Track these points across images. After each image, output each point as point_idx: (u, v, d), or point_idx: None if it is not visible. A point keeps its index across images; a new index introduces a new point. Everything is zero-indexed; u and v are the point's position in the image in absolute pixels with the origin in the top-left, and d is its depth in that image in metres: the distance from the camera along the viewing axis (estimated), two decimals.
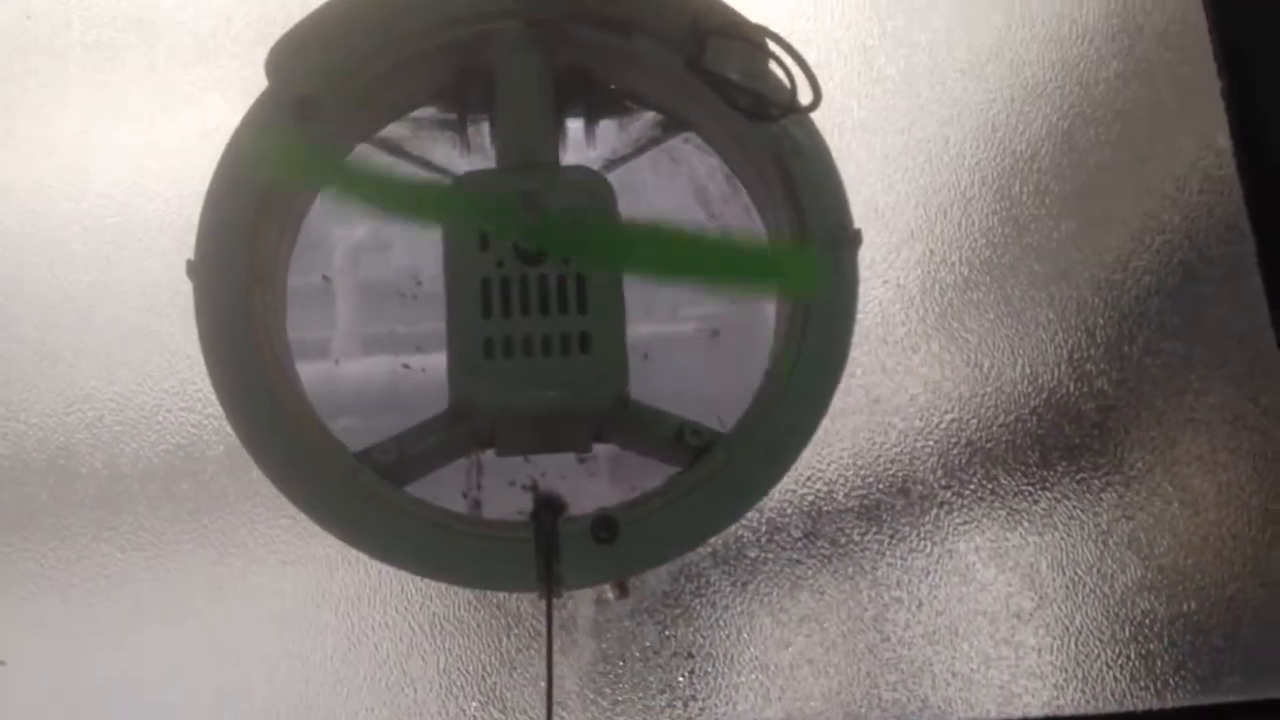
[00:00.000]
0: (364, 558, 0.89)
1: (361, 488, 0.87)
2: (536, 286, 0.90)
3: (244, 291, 0.90)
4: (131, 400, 1.05)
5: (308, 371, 0.97)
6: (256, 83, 0.94)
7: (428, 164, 1.06)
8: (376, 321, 1.06)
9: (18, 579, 1.01)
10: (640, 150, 1.08)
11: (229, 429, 0.88)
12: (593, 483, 1.02)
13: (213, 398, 0.88)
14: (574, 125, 1.03)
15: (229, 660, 1.01)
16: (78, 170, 1.09)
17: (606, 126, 1.05)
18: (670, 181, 1.09)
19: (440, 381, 0.91)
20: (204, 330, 0.89)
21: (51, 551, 1.02)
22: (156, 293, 1.06)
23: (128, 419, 1.05)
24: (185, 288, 0.90)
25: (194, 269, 0.90)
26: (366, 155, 1.04)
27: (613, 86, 1.02)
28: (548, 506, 0.99)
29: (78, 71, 1.12)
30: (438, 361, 0.92)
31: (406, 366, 1.05)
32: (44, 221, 1.08)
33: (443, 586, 1.01)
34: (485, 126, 1.02)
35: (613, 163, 1.07)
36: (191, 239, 0.90)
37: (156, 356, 1.05)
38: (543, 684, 0.92)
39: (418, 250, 1.05)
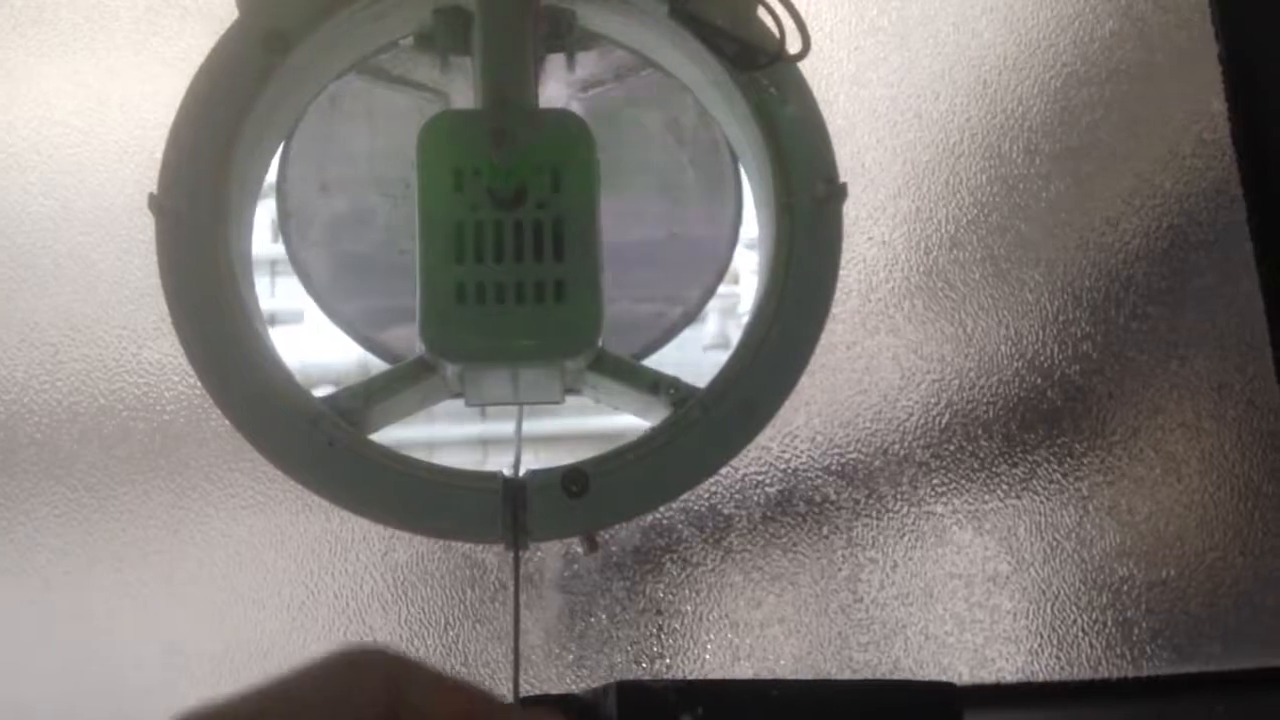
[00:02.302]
0: (325, 504, 0.87)
1: (324, 433, 0.85)
2: (512, 231, 0.88)
3: (209, 227, 0.87)
4: (88, 335, 1.02)
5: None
6: (228, 12, 0.90)
7: (409, 83, 1.03)
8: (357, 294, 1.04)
9: None
10: (619, 78, 1.06)
11: (189, 368, 0.85)
12: None
13: (173, 336, 0.86)
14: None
15: (183, 605, 0.99)
16: (37, 98, 1.06)
17: (587, 54, 1.02)
18: (645, 109, 1.07)
19: None
20: (165, 266, 0.86)
21: (1, 495, 1.00)
22: (116, 226, 1.03)
23: (84, 355, 1.02)
24: (147, 221, 0.87)
25: (156, 202, 0.87)
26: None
27: (595, 30, 1.00)
28: None
29: None
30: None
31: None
32: (1, 150, 1.05)
33: (406, 535, 0.99)
34: (466, 60, 0.99)
35: (590, 86, 1.05)
36: (155, 171, 0.87)
37: (117, 291, 1.03)
38: (507, 637, 0.91)
39: (401, 224, 1.02)
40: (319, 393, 0.89)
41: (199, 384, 0.85)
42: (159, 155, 0.88)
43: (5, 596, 0.98)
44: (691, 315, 1.10)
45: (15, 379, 1.01)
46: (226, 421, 0.85)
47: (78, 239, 1.03)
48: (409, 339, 1.03)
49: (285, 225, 1.02)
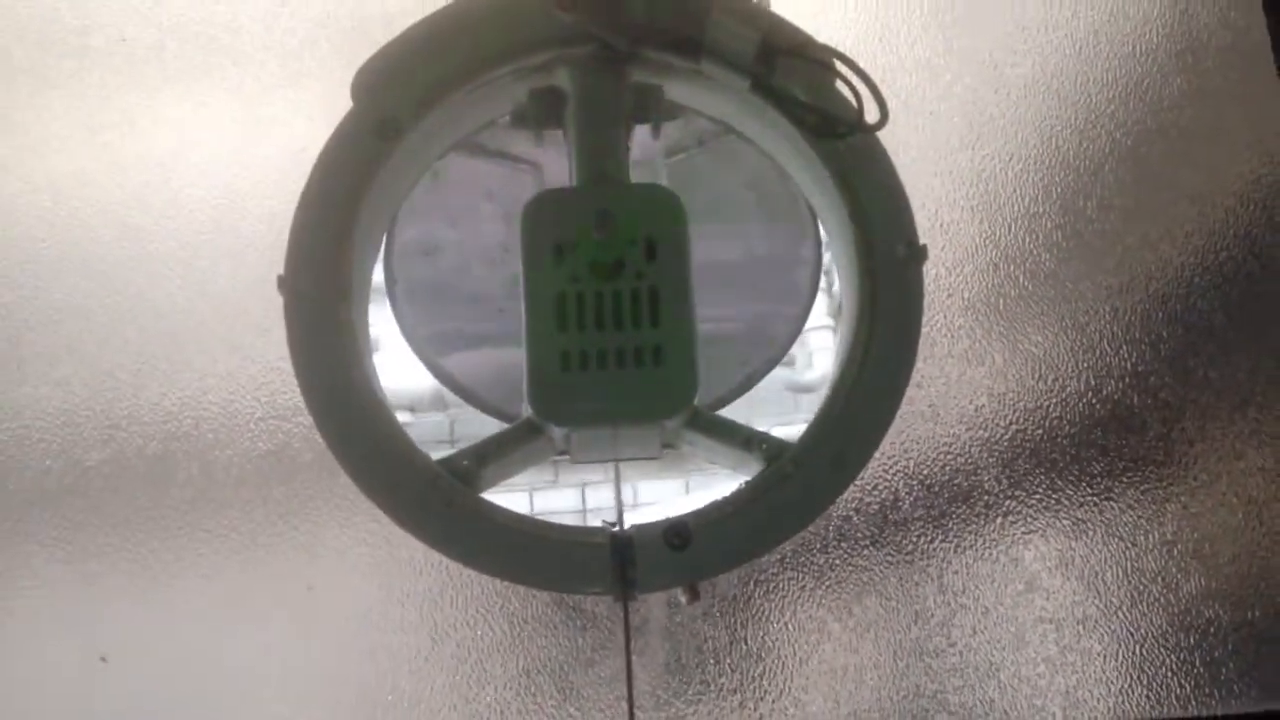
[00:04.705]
0: (446, 561, 0.92)
1: (442, 494, 0.90)
2: (611, 301, 0.92)
3: (332, 305, 0.93)
4: (225, 410, 1.09)
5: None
6: (341, 104, 0.97)
7: (506, 156, 1.09)
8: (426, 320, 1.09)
9: (118, 578, 1.06)
10: (702, 143, 1.11)
11: (318, 438, 0.91)
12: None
13: (302, 407, 0.91)
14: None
15: (318, 656, 1.05)
16: (170, 188, 1.13)
17: (671, 123, 1.07)
18: (727, 172, 1.12)
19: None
20: (294, 343, 0.92)
21: (151, 553, 1.06)
22: (247, 306, 1.10)
23: (221, 428, 1.09)
24: (275, 301, 0.93)
25: (284, 283, 0.93)
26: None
27: (680, 103, 1.04)
28: None
29: (170, 93, 1.15)
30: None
31: None
32: (139, 237, 1.12)
33: (521, 588, 1.04)
34: (558, 134, 1.04)
35: (674, 153, 1.10)
36: (280, 254, 0.93)
37: (249, 368, 1.09)
38: (619, 682, 0.94)
39: (468, 254, 1.09)
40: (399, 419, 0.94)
41: (327, 451, 0.91)
42: (284, 239, 0.94)
43: (158, 654, 1.04)
44: (774, 362, 1.13)
45: (158, 453, 1.08)
46: (354, 486, 0.90)
47: (211, 321, 1.10)
48: (469, 365, 1.08)
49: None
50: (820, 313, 2.74)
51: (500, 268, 1.10)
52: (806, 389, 3.58)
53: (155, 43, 1.16)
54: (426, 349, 1.10)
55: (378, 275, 1.07)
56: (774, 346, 1.13)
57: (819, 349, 3.61)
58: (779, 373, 1.29)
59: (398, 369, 1.09)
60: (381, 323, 1.08)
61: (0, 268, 1.11)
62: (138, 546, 1.06)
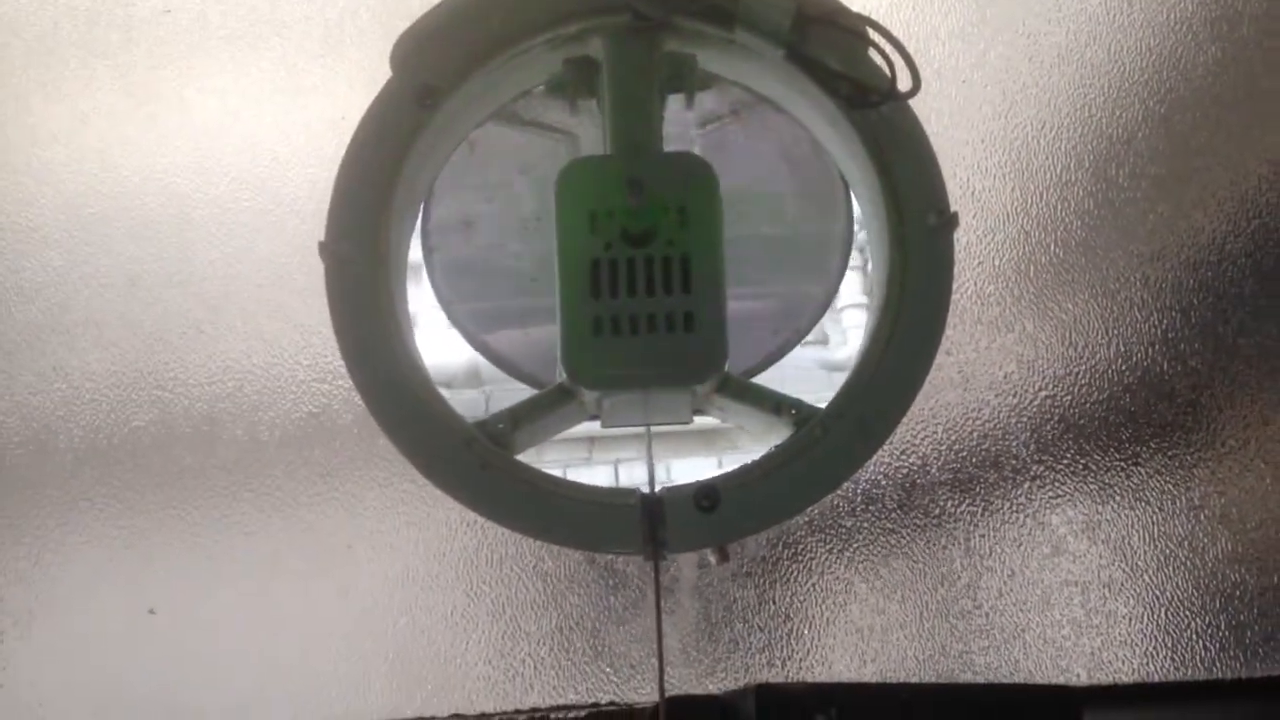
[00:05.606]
0: (481, 520, 0.94)
1: (477, 455, 0.92)
2: (643, 267, 0.94)
3: (371, 271, 0.94)
4: (268, 372, 1.12)
5: None
6: (381, 73, 0.98)
7: (541, 125, 1.10)
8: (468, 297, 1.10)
9: (165, 535, 1.09)
10: (735, 113, 1.11)
11: (358, 400, 0.92)
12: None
13: (343, 371, 0.93)
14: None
15: (358, 611, 1.08)
16: (214, 156, 1.15)
17: (704, 93, 1.08)
18: (760, 141, 1.12)
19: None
20: (334, 307, 0.94)
21: (196, 510, 1.09)
22: (289, 272, 1.12)
23: (265, 389, 1.12)
24: (316, 267, 0.94)
25: (325, 249, 0.94)
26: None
27: (713, 72, 1.05)
28: None
29: (214, 63, 1.17)
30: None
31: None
32: (184, 204, 1.15)
33: (554, 548, 1.06)
34: (592, 103, 1.05)
35: (707, 122, 1.11)
36: (321, 221, 0.95)
37: (291, 332, 1.12)
38: (649, 640, 0.96)
39: (502, 230, 1.10)
40: None
41: (367, 414, 0.93)
42: (325, 206, 0.95)
43: (203, 607, 1.07)
44: (803, 333, 1.14)
45: (204, 413, 1.11)
46: (392, 447, 0.92)
47: (255, 285, 1.13)
48: (505, 337, 1.09)
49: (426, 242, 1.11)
50: (855, 291, 2.74)
51: (532, 240, 1.11)
52: (839, 367, 3.59)
53: (198, 13, 1.18)
54: (464, 321, 1.11)
55: (415, 253, 1.09)
56: (800, 321, 1.14)
57: (852, 327, 3.62)
58: (812, 350, 1.29)
59: (433, 345, 1.11)
60: (418, 299, 1.08)
61: (49, 234, 1.14)
62: (184, 504, 1.09)
